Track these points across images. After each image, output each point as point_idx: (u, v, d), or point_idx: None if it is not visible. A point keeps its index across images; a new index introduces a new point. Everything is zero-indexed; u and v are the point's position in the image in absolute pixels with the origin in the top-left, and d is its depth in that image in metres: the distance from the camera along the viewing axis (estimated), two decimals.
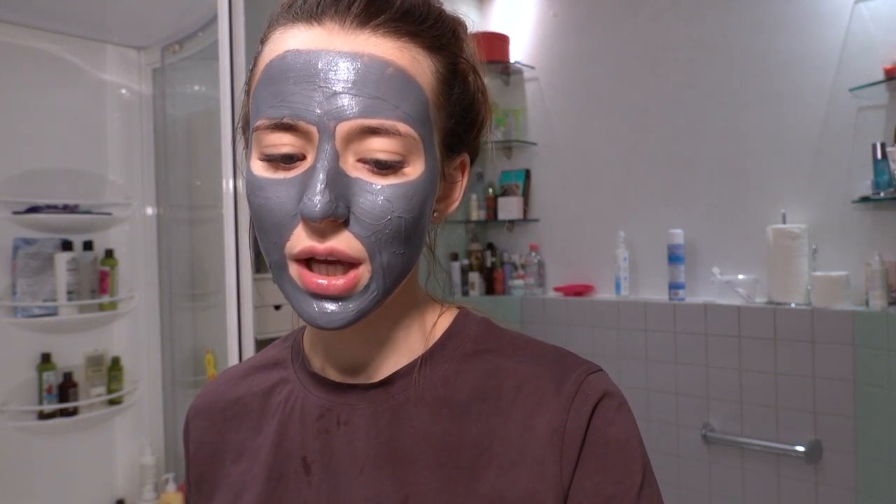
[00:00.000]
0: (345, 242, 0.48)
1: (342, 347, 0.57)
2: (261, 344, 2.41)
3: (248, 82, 0.54)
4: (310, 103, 0.47)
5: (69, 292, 2.31)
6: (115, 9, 2.41)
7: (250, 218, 0.52)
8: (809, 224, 2.20)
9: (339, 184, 0.47)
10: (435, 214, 0.55)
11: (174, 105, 2.57)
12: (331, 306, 0.49)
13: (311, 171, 0.47)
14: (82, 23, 2.41)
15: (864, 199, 2.05)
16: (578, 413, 0.52)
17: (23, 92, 2.31)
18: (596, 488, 0.51)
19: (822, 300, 2.08)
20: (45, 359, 2.28)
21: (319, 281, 0.48)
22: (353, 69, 0.47)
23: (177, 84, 2.57)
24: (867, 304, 2.03)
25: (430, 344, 0.58)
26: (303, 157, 0.48)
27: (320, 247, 0.47)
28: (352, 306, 0.49)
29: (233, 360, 1.99)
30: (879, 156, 1.99)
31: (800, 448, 2.08)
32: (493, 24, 2.99)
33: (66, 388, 2.31)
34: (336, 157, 0.47)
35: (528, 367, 0.56)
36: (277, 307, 2.66)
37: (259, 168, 0.50)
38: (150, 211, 2.61)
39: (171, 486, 2.40)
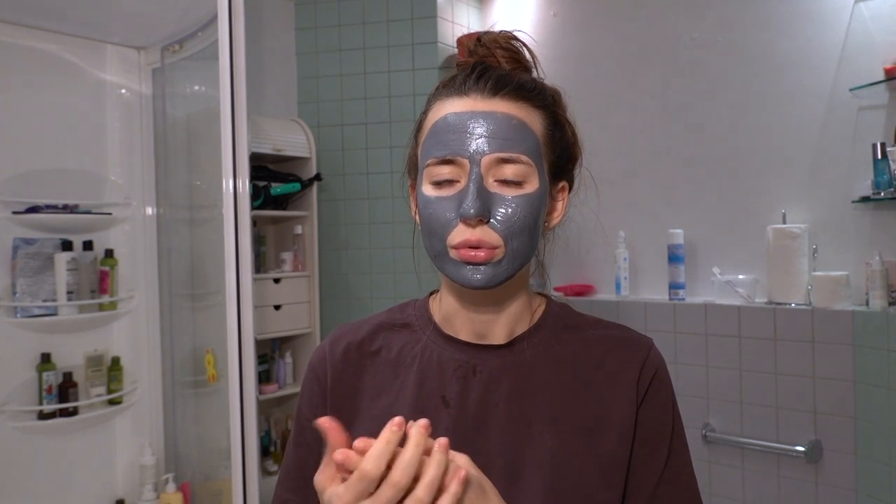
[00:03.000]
0: (488, 234, 0.71)
1: (476, 318, 0.79)
2: (261, 343, 2.41)
3: (416, 135, 0.80)
4: (463, 145, 0.71)
5: (69, 292, 2.30)
6: (115, 9, 2.41)
7: (418, 223, 0.78)
8: (809, 224, 2.20)
9: (484, 196, 0.70)
10: (545, 225, 0.79)
11: (174, 105, 2.57)
12: (476, 272, 0.71)
13: (466, 188, 0.71)
14: (82, 23, 2.41)
15: (864, 199, 2.05)
16: (647, 372, 0.79)
17: (23, 92, 2.31)
18: (652, 414, 0.79)
19: (822, 300, 2.08)
20: (45, 359, 2.28)
21: (470, 253, 0.71)
22: (491, 122, 0.72)
23: (177, 84, 2.57)
24: (867, 304, 2.03)
25: (535, 320, 0.82)
26: (457, 181, 0.72)
27: (472, 238, 0.70)
28: (490, 272, 0.71)
29: (233, 360, 1.98)
30: (879, 156, 1.99)
31: (800, 448, 2.08)
32: (493, 25, 2.99)
33: (66, 388, 2.31)
34: (481, 178, 0.71)
35: (608, 337, 0.81)
36: (277, 307, 2.66)
37: (429, 190, 0.74)
38: (149, 211, 2.60)
39: (171, 486, 2.40)
